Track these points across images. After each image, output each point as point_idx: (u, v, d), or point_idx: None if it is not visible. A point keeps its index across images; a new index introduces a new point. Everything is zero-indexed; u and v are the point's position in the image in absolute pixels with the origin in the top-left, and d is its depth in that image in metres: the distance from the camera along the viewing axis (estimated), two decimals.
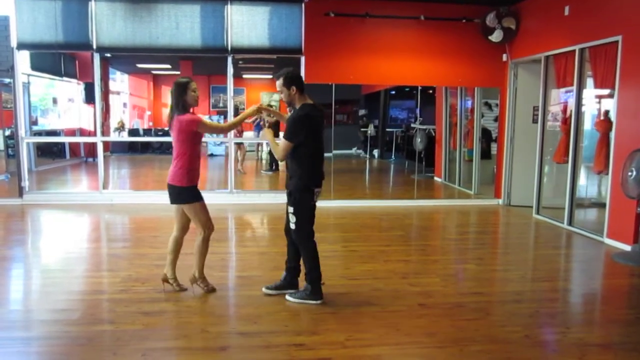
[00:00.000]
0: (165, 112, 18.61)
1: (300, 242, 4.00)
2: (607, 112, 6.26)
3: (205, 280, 4.16)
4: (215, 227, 4.19)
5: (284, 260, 4.23)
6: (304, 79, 4.08)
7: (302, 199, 3.93)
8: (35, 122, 11.48)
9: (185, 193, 3.99)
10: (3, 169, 9.36)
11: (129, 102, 17.80)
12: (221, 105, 17.15)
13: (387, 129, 13.25)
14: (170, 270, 4.17)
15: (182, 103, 3.94)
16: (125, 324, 3.56)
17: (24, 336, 3.43)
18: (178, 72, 15.20)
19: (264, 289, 4.14)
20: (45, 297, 4.16)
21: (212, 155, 14.68)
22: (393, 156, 13.21)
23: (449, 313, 3.87)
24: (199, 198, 4.05)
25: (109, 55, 9.67)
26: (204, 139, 5.03)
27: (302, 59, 7.94)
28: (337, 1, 7.90)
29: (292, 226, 3.95)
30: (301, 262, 4.11)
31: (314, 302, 3.97)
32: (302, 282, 4.12)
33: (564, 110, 7.00)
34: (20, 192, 7.90)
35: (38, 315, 3.80)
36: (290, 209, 3.94)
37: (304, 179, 3.94)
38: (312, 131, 3.91)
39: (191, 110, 4.02)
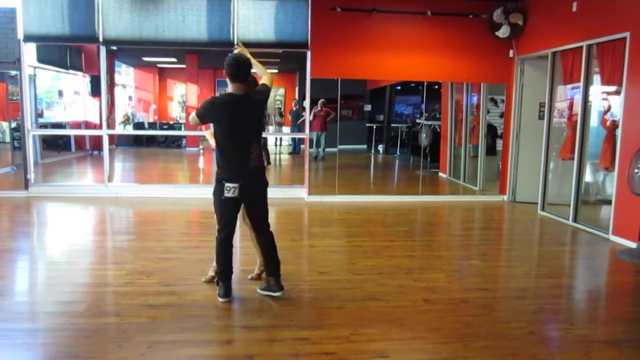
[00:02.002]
0: (171, 105, 18.81)
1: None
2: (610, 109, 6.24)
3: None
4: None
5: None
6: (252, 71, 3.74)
7: (215, 190, 3.82)
8: (41, 115, 11.51)
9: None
10: (9, 161, 9.39)
11: (135, 95, 17.83)
12: None
13: (392, 124, 13.24)
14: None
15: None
16: (130, 317, 3.58)
17: (30, 328, 3.46)
18: (184, 66, 15.20)
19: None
20: (51, 289, 4.19)
21: None
22: (398, 152, 13.20)
23: (454, 309, 3.87)
24: None
25: (114, 48, 9.68)
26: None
27: (308, 53, 7.93)
28: None
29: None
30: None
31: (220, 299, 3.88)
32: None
33: (570, 107, 6.97)
34: (26, 185, 7.93)
35: (43, 307, 3.83)
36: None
37: (218, 170, 3.84)
38: (217, 120, 3.80)
39: None
